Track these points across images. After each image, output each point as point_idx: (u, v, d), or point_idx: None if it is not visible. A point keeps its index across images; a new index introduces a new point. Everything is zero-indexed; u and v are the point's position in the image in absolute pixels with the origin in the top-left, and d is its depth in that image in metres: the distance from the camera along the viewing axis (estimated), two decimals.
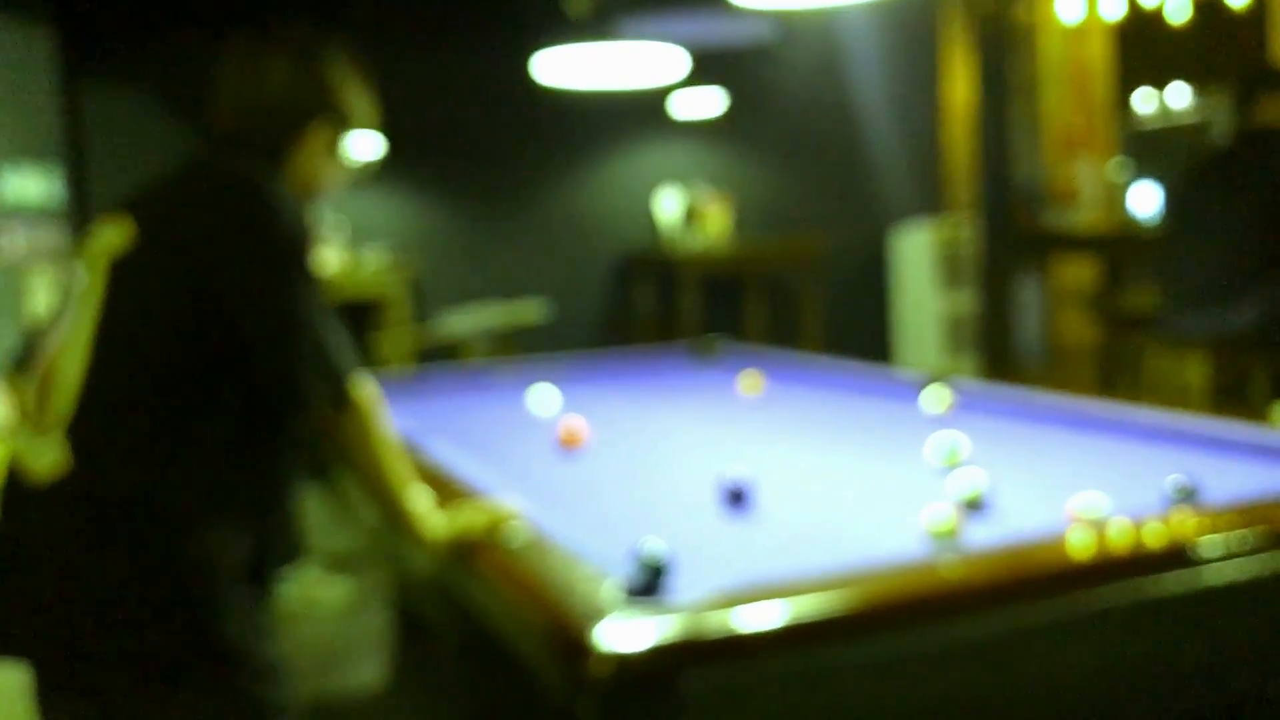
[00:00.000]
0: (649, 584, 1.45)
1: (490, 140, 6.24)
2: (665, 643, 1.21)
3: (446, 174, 6.22)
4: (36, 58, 4.66)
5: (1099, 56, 7.79)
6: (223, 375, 1.60)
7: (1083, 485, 1.97)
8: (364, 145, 5.70)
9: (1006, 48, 5.25)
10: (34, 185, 4.63)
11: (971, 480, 1.85)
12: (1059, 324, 9.27)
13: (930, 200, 7.36)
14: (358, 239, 5.85)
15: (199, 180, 1.72)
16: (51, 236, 4.71)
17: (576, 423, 2.58)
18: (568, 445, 2.55)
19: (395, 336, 5.65)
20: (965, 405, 2.83)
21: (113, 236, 1.64)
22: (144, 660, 1.53)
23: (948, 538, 1.61)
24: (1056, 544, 1.48)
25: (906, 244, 7.07)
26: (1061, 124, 9.13)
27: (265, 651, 1.62)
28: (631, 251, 6.61)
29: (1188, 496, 1.74)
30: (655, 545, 1.46)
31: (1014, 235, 5.16)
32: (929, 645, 1.30)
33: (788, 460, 2.38)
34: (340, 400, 1.62)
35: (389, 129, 5.84)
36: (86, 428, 1.55)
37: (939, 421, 2.67)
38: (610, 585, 1.37)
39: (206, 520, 1.57)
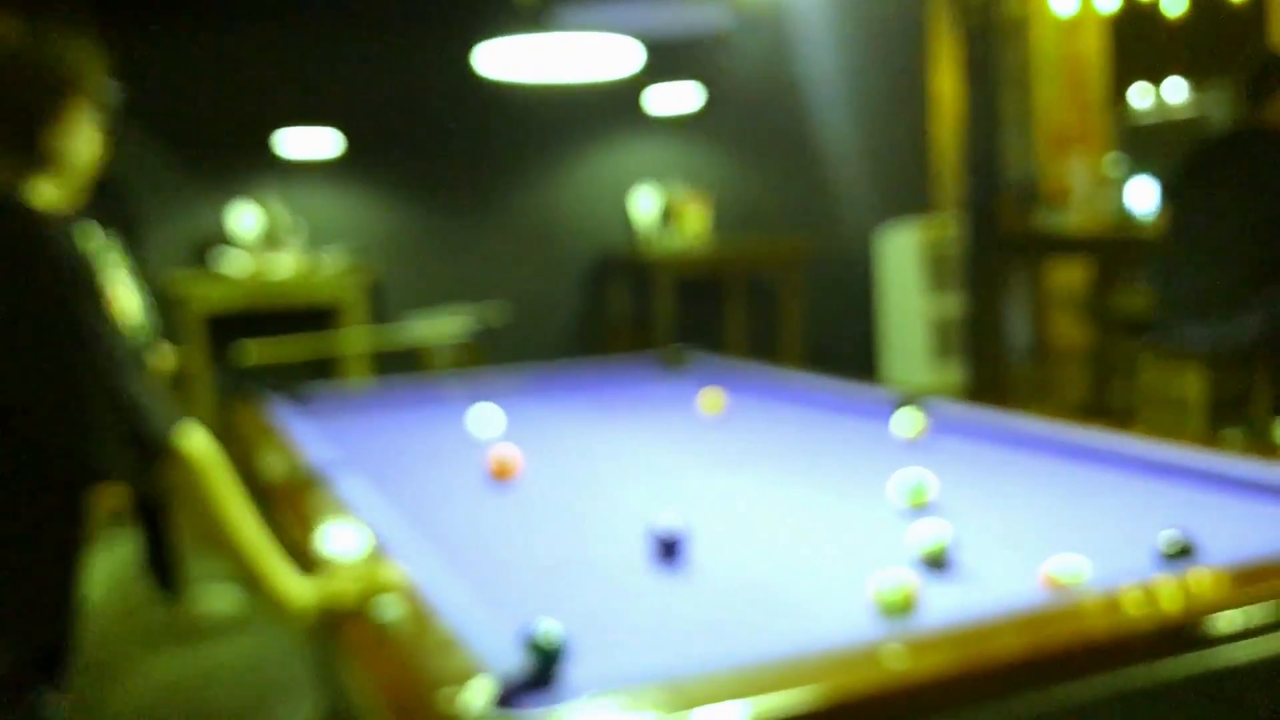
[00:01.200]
0: (539, 674, 1.21)
1: (455, 138, 5.99)
2: None
3: (409, 173, 5.96)
4: None
5: (1094, 50, 7.57)
6: None
7: (1063, 535, 1.74)
8: (322, 143, 5.50)
9: (996, 41, 5.01)
10: None
11: (934, 532, 1.61)
12: (1051, 327, 9.05)
13: (918, 199, 7.12)
14: (315, 241, 5.59)
15: None
16: None
17: (508, 452, 2.35)
18: (498, 477, 2.32)
19: (353, 343, 5.40)
20: (940, 430, 2.59)
21: None
22: None
23: (899, 612, 1.37)
24: (1023, 625, 1.23)
25: (893, 244, 6.83)
26: (1055, 120, 8.90)
27: None
28: (605, 253, 6.36)
29: (1182, 555, 1.50)
30: (549, 629, 1.22)
31: (1001, 235, 4.93)
32: None
33: (735, 498, 2.14)
34: (157, 457, 1.37)
35: (347, 127, 5.64)
36: None
37: (909, 449, 2.43)
38: (480, 684, 1.13)
39: None
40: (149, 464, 1.37)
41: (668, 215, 6.38)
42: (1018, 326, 9.30)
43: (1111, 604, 1.29)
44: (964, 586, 1.54)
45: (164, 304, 5.21)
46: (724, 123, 6.49)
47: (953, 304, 6.47)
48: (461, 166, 6.04)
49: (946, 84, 6.80)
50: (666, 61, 5.99)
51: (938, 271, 6.60)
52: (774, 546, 1.80)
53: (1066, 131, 9.08)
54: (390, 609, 1.38)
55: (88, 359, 1.34)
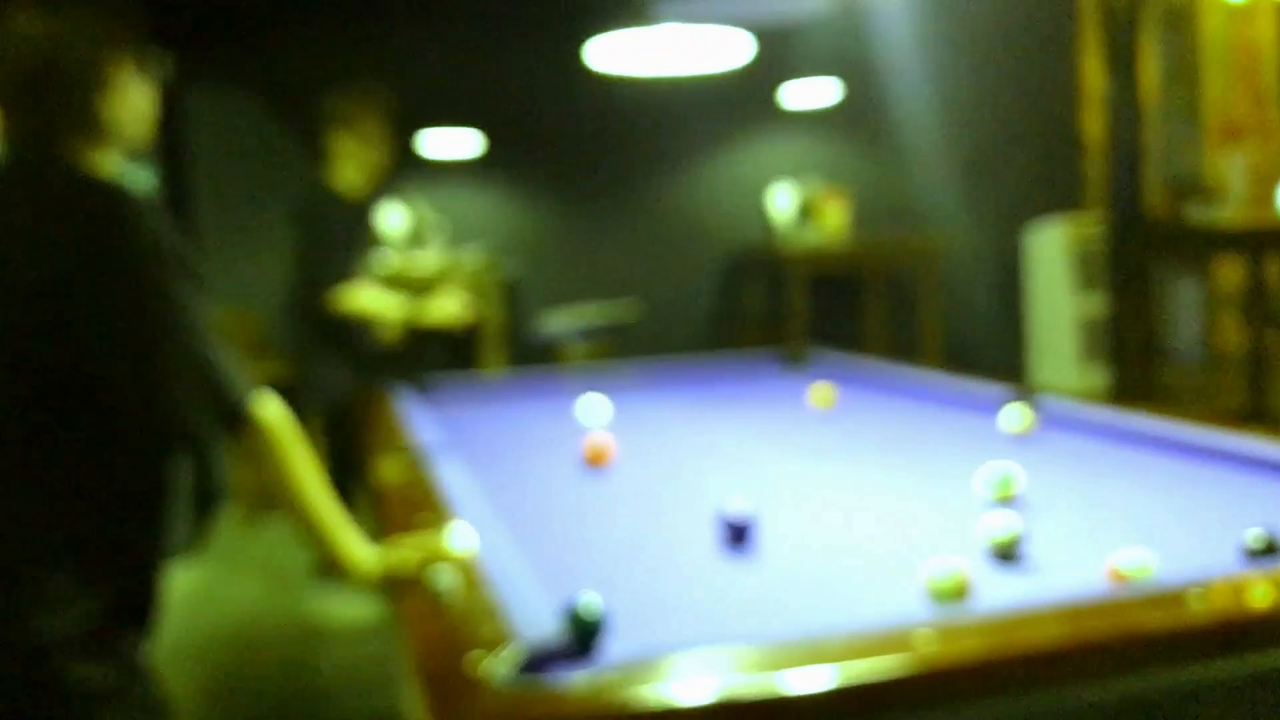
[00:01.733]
0: (576, 644, 1.24)
1: (592, 138, 6.08)
2: None
3: (547, 173, 6.08)
4: None
5: (1267, 38, 7.15)
6: (71, 405, 1.41)
7: (1148, 531, 1.67)
8: (464, 143, 5.68)
9: (1142, 28, 4.77)
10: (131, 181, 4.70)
11: (1005, 523, 1.56)
12: (1219, 328, 8.56)
13: (1069, 196, 6.85)
14: (456, 238, 5.77)
15: (28, 184, 1.48)
16: None
17: (603, 440, 2.39)
18: (592, 464, 2.36)
19: (490, 339, 5.56)
20: (1050, 426, 2.51)
21: None
22: None
23: (951, 599, 1.34)
24: (1065, 615, 1.19)
25: (1042, 242, 6.59)
26: (1224, 111, 8.43)
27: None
28: (741, 250, 6.35)
29: (1268, 553, 1.42)
30: (588, 601, 1.25)
31: (1147, 232, 4.69)
32: None
33: (819, 487, 2.12)
34: (235, 425, 1.45)
35: (487, 127, 5.80)
36: None
37: (1012, 444, 2.36)
38: (512, 651, 1.17)
39: (43, 575, 1.38)
40: (228, 429, 1.45)
41: (805, 211, 6.32)
42: (1181, 328, 8.84)
43: (1167, 598, 1.24)
44: (1030, 578, 1.50)
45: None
46: (864, 117, 6.39)
47: (1093, 303, 6.22)
48: (598, 165, 6.13)
49: (1099, 75, 6.52)
50: (803, 57, 5.96)
51: (1088, 270, 6.34)
52: (844, 534, 1.79)
53: (1237, 123, 8.59)
54: (445, 578, 1.43)
55: (169, 326, 1.42)
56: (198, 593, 4.38)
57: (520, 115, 5.95)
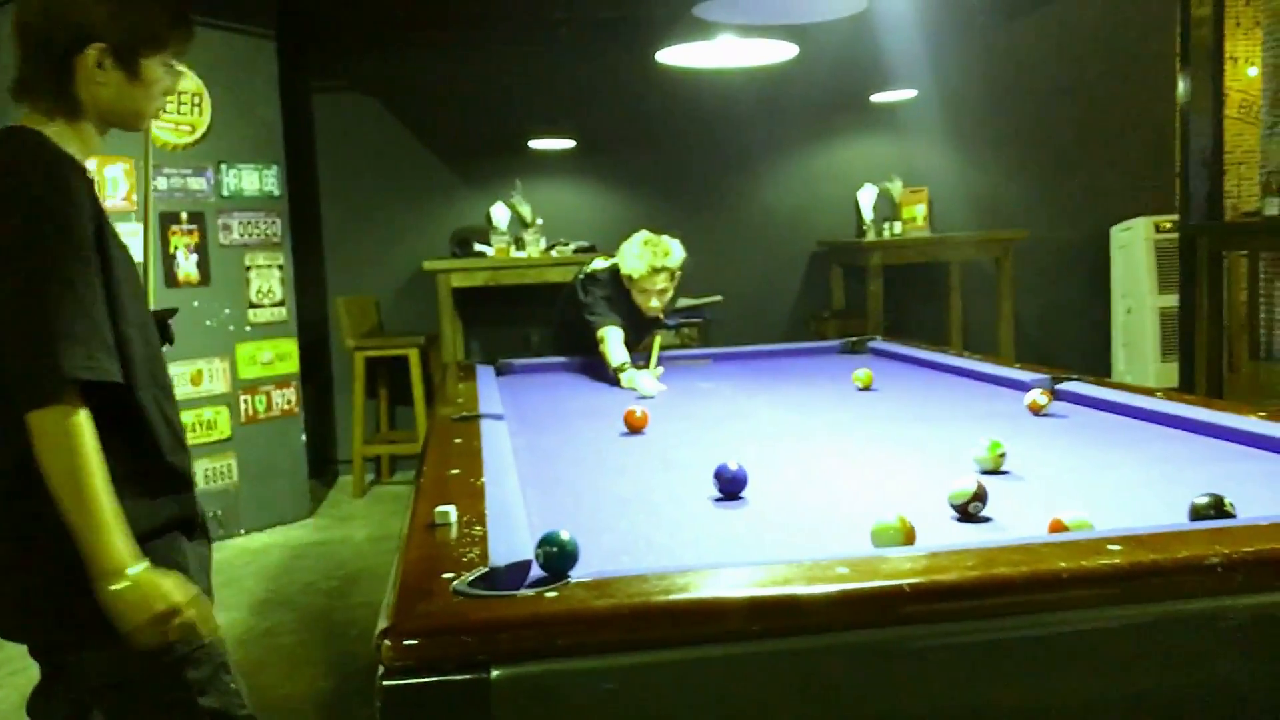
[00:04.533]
0: (548, 570, 1.33)
1: (682, 137, 6.16)
2: (466, 629, 1.11)
3: (638, 171, 6.17)
4: (261, 67, 5.01)
5: None
6: None
7: (1120, 497, 1.68)
8: (561, 146, 5.83)
9: (1222, 24, 4.61)
10: (255, 180, 4.98)
11: (963, 484, 1.60)
12: None
13: (1161, 194, 6.62)
14: (552, 233, 5.92)
15: None
16: (271, 225, 5.07)
17: (639, 409, 2.50)
18: (630, 429, 2.47)
19: None
20: (1072, 405, 2.50)
21: None
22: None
23: (888, 543, 1.39)
24: (976, 556, 1.23)
25: (1128, 239, 6.40)
26: None
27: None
28: (826, 245, 6.34)
29: (1210, 515, 1.42)
30: (557, 534, 1.34)
31: (1218, 230, 4.53)
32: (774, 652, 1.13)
33: (827, 453, 2.17)
34: (42, 395, 1.39)
35: (581, 130, 5.94)
36: None
37: (1025, 420, 2.37)
38: (480, 572, 1.27)
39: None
40: (30, 397, 1.40)
41: (889, 208, 6.28)
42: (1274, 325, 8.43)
43: (1082, 546, 1.26)
44: (982, 532, 1.53)
45: (429, 282, 5.69)
46: (949, 118, 6.30)
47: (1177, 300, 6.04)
48: (688, 163, 6.21)
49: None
50: (890, 60, 5.91)
51: (1171, 268, 6.13)
52: (829, 491, 1.84)
53: None
54: (447, 512, 1.54)
55: (15, 273, 1.41)
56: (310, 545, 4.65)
57: (613, 117, 6.06)
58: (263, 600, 3.98)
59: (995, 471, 1.88)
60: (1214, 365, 4.52)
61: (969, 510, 1.59)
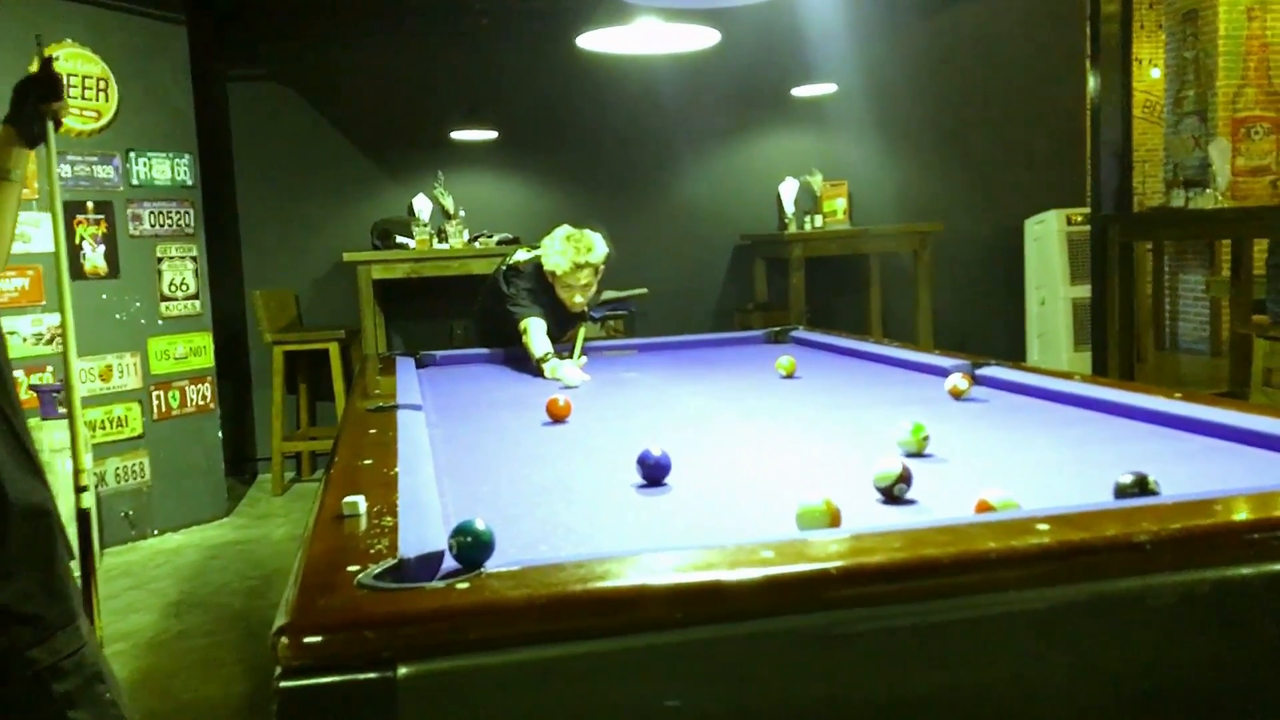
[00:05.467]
0: (461, 560, 1.25)
1: (604, 130, 6.09)
2: (367, 622, 1.03)
3: (560, 163, 6.09)
4: (171, 53, 4.80)
5: None
6: None
7: (1043, 477, 1.66)
8: (482, 138, 5.71)
9: (1128, 21, 4.68)
10: (167, 169, 4.79)
11: (887, 465, 1.56)
12: (1229, 318, 8.38)
13: (1072, 188, 6.74)
14: (474, 225, 5.81)
15: None
16: (183, 216, 4.87)
17: (561, 398, 2.42)
18: (553, 417, 2.39)
19: None
20: (992, 390, 2.49)
21: None
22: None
23: (812, 525, 1.34)
24: (900, 537, 1.19)
25: (1041, 233, 6.50)
26: (1239, 105, 8.25)
27: None
28: (747, 238, 6.33)
29: (1137, 492, 1.40)
30: (470, 523, 1.26)
31: (1126, 221, 4.61)
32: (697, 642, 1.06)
33: (749, 440, 2.13)
34: None
35: (502, 123, 5.83)
36: None
37: (945, 404, 2.35)
38: (386, 564, 1.19)
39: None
40: None
41: (810, 201, 6.29)
42: (1192, 317, 8.65)
43: (1010, 526, 1.23)
44: (908, 513, 1.49)
45: (350, 275, 5.54)
46: (867, 114, 6.33)
47: (1089, 291, 6.16)
48: (611, 156, 6.15)
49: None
50: (810, 56, 5.91)
51: (1082, 260, 6.25)
52: (752, 476, 1.79)
53: (1255, 118, 8.40)
54: (357, 504, 1.45)
55: None
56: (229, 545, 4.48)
57: (533, 111, 5.97)
58: (176, 602, 3.82)
59: (919, 454, 1.85)
60: (1125, 353, 4.59)
61: (894, 493, 1.55)
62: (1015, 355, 6.61)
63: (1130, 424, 2.04)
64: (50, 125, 1.86)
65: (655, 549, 1.22)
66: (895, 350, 3.19)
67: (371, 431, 2.11)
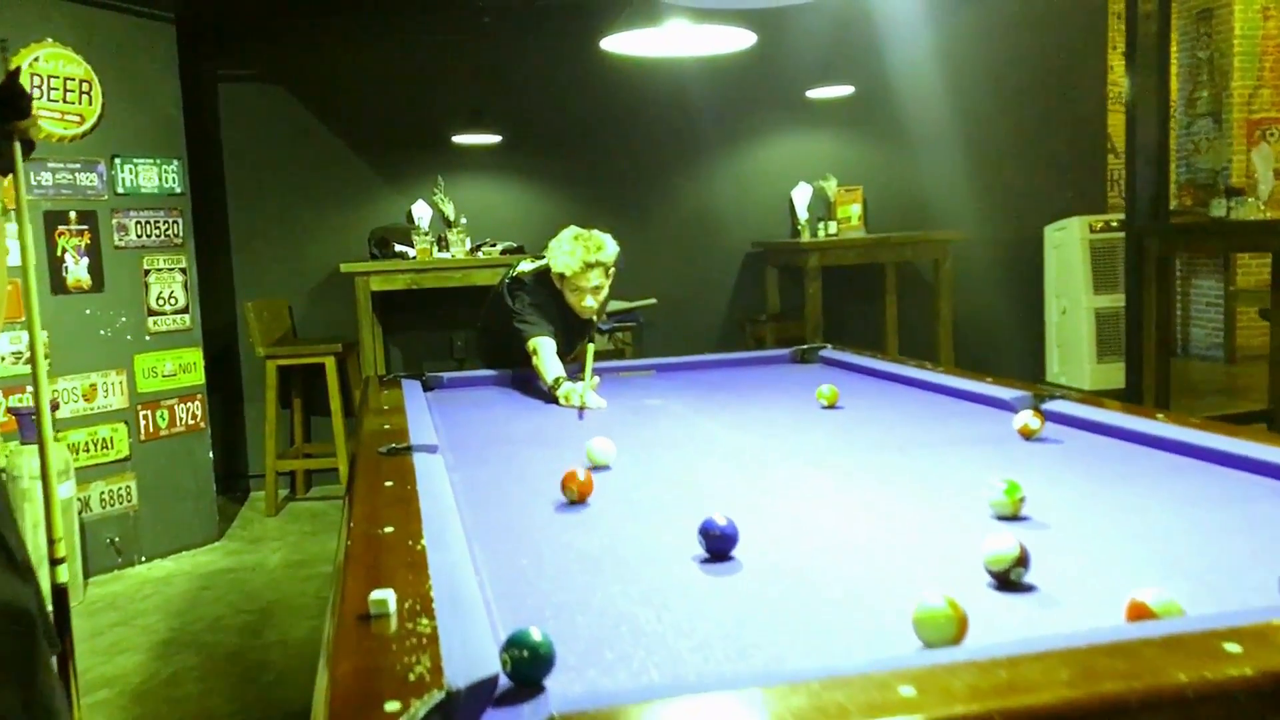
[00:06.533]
0: (517, 683, 1.04)
1: (611, 136, 5.87)
2: None
3: (566, 169, 5.86)
4: (158, 53, 4.56)
5: None
6: None
7: (1169, 555, 1.44)
8: (486, 144, 5.46)
9: (1166, 22, 4.47)
10: (154, 176, 4.54)
11: (1005, 543, 1.33)
12: (1245, 327, 8.20)
13: (1094, 195, 6.55)
14: (476, 233, 5.58)
15: None
16: (172, 225, 4.62)
17: (583, 475, 2.00)
18: (576, 496, 2.01)
19: None
20: (1065, 429, 2.27)
21: None
22: None
23: (932, 630, 1.12)
24: (1072, 658, 0.97)
25: (1062, 240, 6.30)
26: (1256, 107, 8.06)
27: None
28: (760, 245, 6.11)
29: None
30: (529, 636, 1.04)
31: (1166, 227, 4.40)
32: None
33: (814, 495, 1.90)
34: None
35: (507, 128, 5.59)
36: None
37: (1021, 449, 2.13)
38: (434, 699, 0.96)
39: None
40: None
41: (823, 207, 6.08)
42: (1207, 325, 8.47)
43: (1198, 642, 1.01)
44: (1036, 610, 1.27)
45: (346, 285, 5.30)
46: (882, 118, 6.12)
47: (1113, 301, 5.96)
48: (618, 161, 5.92)
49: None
50: (825, 57, 5.69)
51: (1105, 269, 6.05)
52: (833, 551, 1.56)
53: (1270, 119, 8.22)
54: (386, 601, 1.22)
55: None
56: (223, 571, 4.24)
57: (538, 115, 5.74)
58: (165, 641, 3.58)
59: (1014, 517, 1.63)
60: (1162, 370, 4.38)
61: (1010, 578, 1.33)
62: (1034, 367, 6.41)
63: (1239, 476, 1.82)
64: (18, 148, 1.62)
65: (757, 676, 1.01)
66: (942, 377, 2.97)
67: (388, 485, 1.89)
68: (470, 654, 1.09)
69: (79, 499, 4.19)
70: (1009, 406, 2.52)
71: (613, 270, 3.42)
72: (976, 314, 6.30)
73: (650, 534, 1.68)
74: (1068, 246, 6.23)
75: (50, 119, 4.08)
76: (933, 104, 6.18)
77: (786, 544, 1.59)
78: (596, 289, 3.39)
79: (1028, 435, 2.22)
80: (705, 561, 1.50)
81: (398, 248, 5.40)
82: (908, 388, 3.02)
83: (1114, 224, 6.16)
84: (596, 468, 2.10)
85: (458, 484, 1.98)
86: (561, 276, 3.36)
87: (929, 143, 6.24)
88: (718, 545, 1.51)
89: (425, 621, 1.19)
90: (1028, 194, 6.40)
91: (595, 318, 3.54)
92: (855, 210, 6.13)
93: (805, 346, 3.77)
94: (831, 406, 2.74)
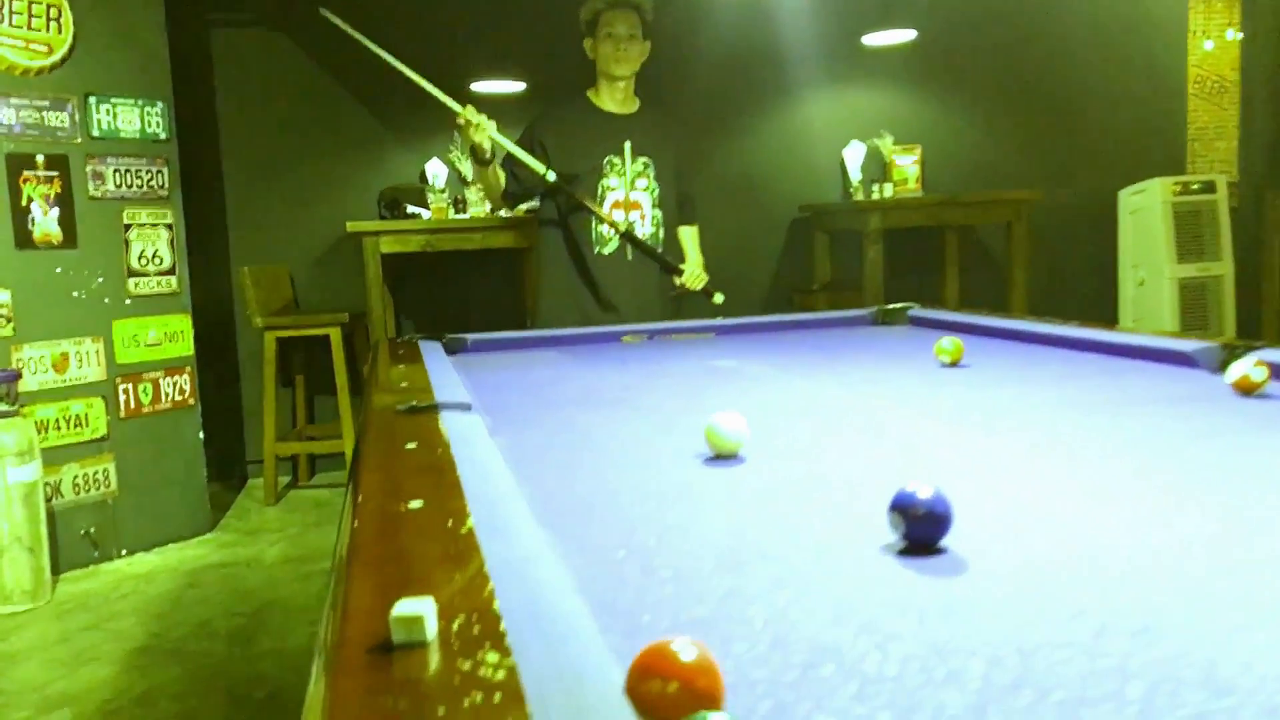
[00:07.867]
0: None
1: (649, 80, 5.34)
2: None
3: None
4: None
5: None
6: None
7: None
8: (507, 96, 4.98)
9: None
10: (135, 119, 4.03)
11: None
12: None
13: (1177, 155, 6.00)
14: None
15: None
16: (156, 175, 4.11)
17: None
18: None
19: None
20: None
21: None
22: None
23: None
24: None
25: (1138, 204, 5.75)
26: None
27: None
28: (812, 206, 5.57)
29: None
30: None
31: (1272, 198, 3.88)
32: None
33: (995, 462, 1.39)
34: None
35: (531, 79, 5.07)
36: None
37: (1251, 407, 1.61)
38: None
39: None
40: None
41: (877, 168, 5.55)
42: None
43: None
44: None
45: (353, 251, 4.81)
46: (945, 71, 5.58)
47: (1200, 270, 5.43)
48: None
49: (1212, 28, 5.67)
50: (895, 10, 5.17)
51: (1187, 235, 5.51)
52: (1062, 538, 1.04)
53: None
54: (422, 618, 0.70)
55: None
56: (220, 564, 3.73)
57: (566, 58, 5.21)
58: (143, 649, 3.07)
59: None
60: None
61: None
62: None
63: None
64: None
65: None
66: (1080, 330, 2.45)
67: (410, 446, 1.37)
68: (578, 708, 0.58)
69: (47, 484, 3.68)
70: (1191, 362, 2.00)
71: (649, 18, 3.33)
72: (1041, 285, 5.76)
73: (789, 512, 1.16)
74: (1147, 211, 5.68)
75: (13, 46, 3.57)
76: (996, 53, 5.64)
77: (1001, 535, 1.07)
78: (631, 39, 3.31)
79: (1248, 390, 1.70)
80: (902, 555, 0.99)
81: (410, 209, 4.89)
82: (1031, 345, 2.51)
83: (1195, 186, 5.62)
84: (720, 457, 1.44)
85: (504, 450, 1.47)
86: (587, 23, 3.38)
87: (990, 97, 5.70)
88: (923, 531, 0.99)
89: (492, 656, 0.67)
90: (1099, 154, 5.86)
91: (631, 78, 3.43)
92: (912, 171, 5.60)
93: (890, 306, 3.27)
94: (955, 364, 2.23)
